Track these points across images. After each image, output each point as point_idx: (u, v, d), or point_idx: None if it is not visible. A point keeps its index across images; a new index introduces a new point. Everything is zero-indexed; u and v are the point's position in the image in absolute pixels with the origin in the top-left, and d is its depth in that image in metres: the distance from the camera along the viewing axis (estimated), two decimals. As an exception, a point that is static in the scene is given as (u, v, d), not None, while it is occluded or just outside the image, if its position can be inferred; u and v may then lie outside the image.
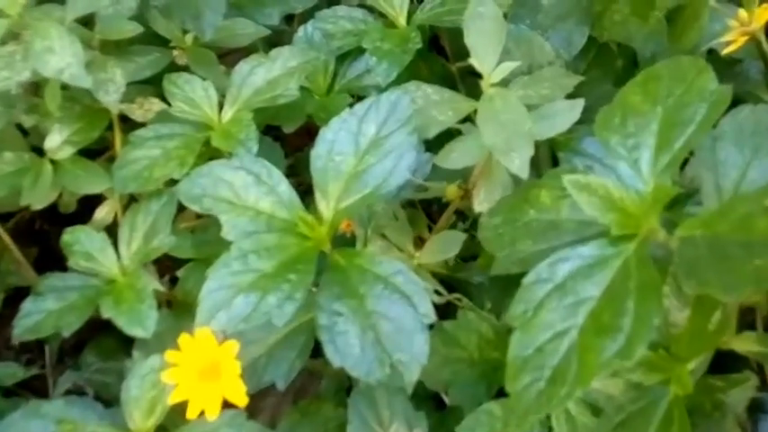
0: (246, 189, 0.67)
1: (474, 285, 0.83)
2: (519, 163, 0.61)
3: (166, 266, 1.01)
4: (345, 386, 0.91)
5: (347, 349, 0.59)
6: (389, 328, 0.60)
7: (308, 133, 0.86)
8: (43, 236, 1.07)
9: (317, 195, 0.66)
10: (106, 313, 0.71)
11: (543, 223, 0.61)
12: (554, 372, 0.49)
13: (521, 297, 0.53)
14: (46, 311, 0.73)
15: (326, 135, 0.67)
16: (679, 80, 0.57)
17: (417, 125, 0.66)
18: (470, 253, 0.86)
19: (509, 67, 0.66)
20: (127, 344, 0.99)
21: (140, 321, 0.70)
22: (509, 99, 0.65)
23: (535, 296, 0.53)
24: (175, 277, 0.90)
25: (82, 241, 0.76)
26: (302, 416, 0.82)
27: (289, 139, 0.96)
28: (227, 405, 0.68)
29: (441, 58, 0.96)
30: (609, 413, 0.60)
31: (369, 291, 0.62)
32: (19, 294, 1.00)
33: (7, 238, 0.95)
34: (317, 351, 0.94)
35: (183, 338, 0.60)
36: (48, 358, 0.97)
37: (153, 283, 0.73)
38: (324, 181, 0.66)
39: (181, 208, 1.04)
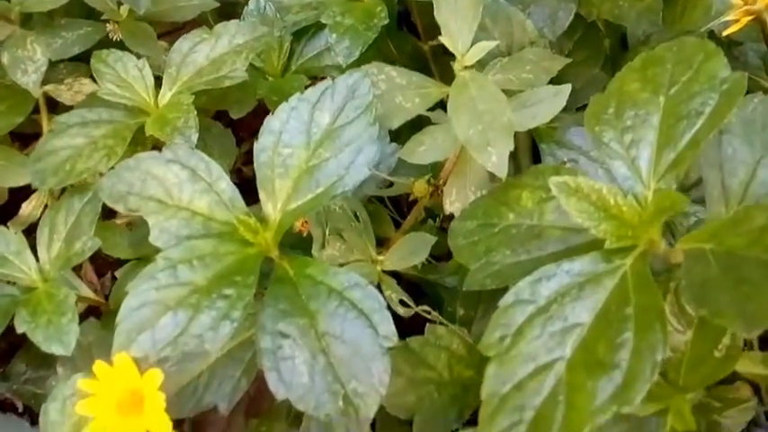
0: (180, 186, 0.58)
1: (446, 288, 0.75)
2: (496, 159, 0.53)
3: (107, 263, 0.91)
4: None
5: (294, 378, 0.51)
6: (344, 352, 0.51)
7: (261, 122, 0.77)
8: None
9: (262, 195, 0.57)
10: (21, 327, 0.62)
11: (524, 229, 0.52)
12: (537, 414, 0.41)
13: (497, 321, 0.45)
14: (-50, 326, 0.63)
15: (273, 124, 0.57)
16: (684, 65, 0.49)
17: (379, 114, 0.57)
18: (442, 251, 0.77)
19: (486, 46, 0.57)
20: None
21: (59, 337, 0.61)
22: (485, 84, 0.56)
23: (514, 321, 0.45)
24: (116, 276, 0.81)
25: (-5, 243, 0.66)
26: (253, 438, 0.74)
27: (245, 122, 0.86)
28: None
29: (411, 36, 0.87)
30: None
31: (321, 307, 0.53)
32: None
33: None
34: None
35: (99, 366, 0.50)
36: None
37: (77, 290, 0.64)
38: (269, 178, 0.57)
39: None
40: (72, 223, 0.64)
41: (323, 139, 0.56)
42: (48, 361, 0.88)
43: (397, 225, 0.76)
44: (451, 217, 0.64)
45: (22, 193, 0.85)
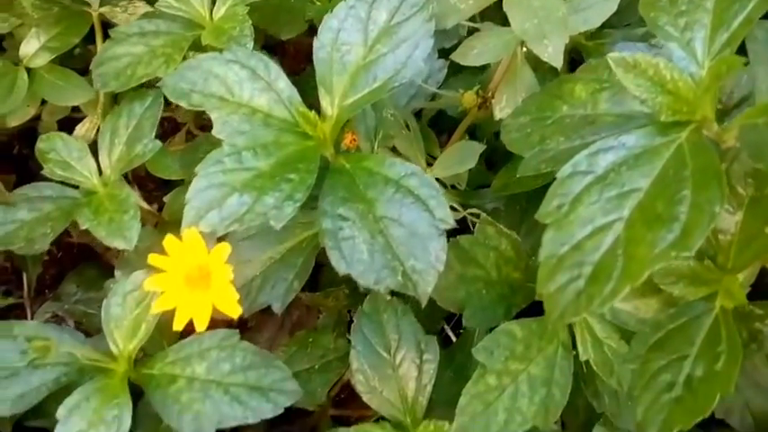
0: (240, 84, 0.60)
1: (488, 212, 0.77)
2: (552, 51, 0.54)
3: (153, 196, 0.94)
4: (346, 320, 0.85)
5: (354, 255, 0.53)
6: (401, 233, 0.53)
7: (307, 58, 0.78)
8: (22, 161, 0.99)
9: (321, 91, 0.59)
10: (84, 224, 0.64)
11: (577, 119, 0.54)
12: (596, 268, 0.43)
13: (554, 192, 0.46)
14: (18, 222, 0.66)
15: (331, 23, 0.59)
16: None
17: (434, 13, 0.58)
18: (482, 182, 0.79)
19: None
20: (109, 273, 0.93)
21: (121, 232, 0.63)
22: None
23: (571, 190, 0.46)
24: (162, 206, 0.84)
25: (58, 149, 0.68)
26: (300, 347, 0.76)
27: (285, 64, 0.88)
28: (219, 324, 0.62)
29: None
30: (644, 333, 0.53)
31: (378, 195, 0.55)
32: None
33: (-14, 160, 0.88)
34: (314, 284, 0.89)
35: (169, 241, 0.53)
36: (26, 288, 0.91)
37: (136, 196, 0.66)
38: (328, 74, 0.58)
39: (173, 131, 0.97)
40: (133, 127, 0.67)
41: (380, 36, 0.58)
42: (97, 283, 0.91)
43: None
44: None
45: (70, 123, 0.88)
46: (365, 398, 0.64)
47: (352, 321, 0.83)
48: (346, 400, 0.86)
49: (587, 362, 0.60)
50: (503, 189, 0.73)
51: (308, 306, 0.92)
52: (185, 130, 0.93)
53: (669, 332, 0.52)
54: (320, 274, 0.89)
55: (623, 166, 0.46)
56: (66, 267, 0.95)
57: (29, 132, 0.97)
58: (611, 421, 0.62)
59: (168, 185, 0.86)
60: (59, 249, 0.97)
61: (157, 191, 0.93)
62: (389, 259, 0.52)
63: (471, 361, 0.65)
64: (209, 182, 0.54)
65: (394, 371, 0.63)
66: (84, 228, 0.65)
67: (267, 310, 0.91)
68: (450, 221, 0.53)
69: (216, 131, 0.58)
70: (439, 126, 0.83)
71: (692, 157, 0.44)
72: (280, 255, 0.69)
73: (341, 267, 0.52)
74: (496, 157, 0.79)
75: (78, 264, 0.93)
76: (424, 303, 0.52)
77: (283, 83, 0.60)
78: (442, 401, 0.65)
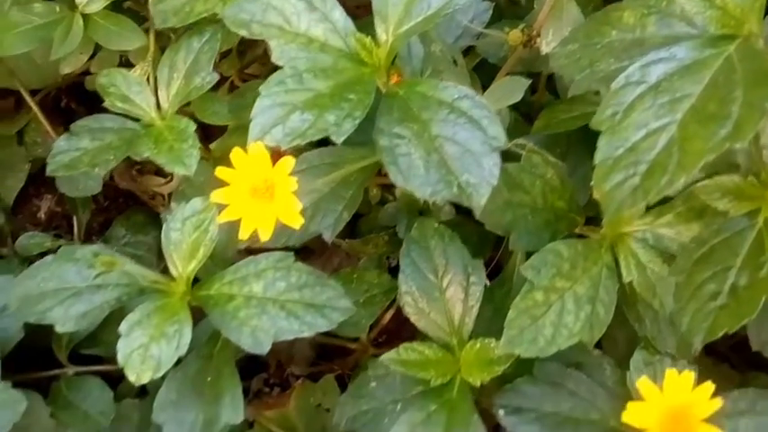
0: (298, 15, 0.62)
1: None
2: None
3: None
4: (386, 266, 0.88)
5: (411, 170, 0.55)
6: (456, 151, 0.56)
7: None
8: (69, 114, 1.03)
9: (376, 20, 0.61)
10: (145, 152, 0.67)
11: (626, 42, 0.56)
12: (651, 165, 0.45)
13: (608, 102, 0.49)
14: (81, 149, 0.69)
15: (387, -46, 0.62)
16: None
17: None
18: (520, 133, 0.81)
19: None
20: (155, 219, 0.96)
21: (181, 159, 0.66)
22: None
23: (625, 99, 0.48)
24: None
25: (118, 83, 0.71)
26: (345, 282, 0.78)
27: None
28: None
29: None
30: (689, 248, 0.56)
31: (432, 116, 0.57)
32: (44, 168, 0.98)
33: (36, 109, 0.91)
34: (354, 233, 0.92)
35: (236, 153, 0.55)
36: (76, 231, 0.94)
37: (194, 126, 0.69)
38: (383, 3, 0.61)
39: (217, 85, 1.00)
40: (191, 61, 0.69)
41: (433, -35, 0.60)
42: (144, 228, 0.94)
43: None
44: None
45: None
46: (413, 319, 0.67)
47: (391, 267, 0.86)
48: (385, 343, 0.89)
49: (630, 284, 0.62)
50: (544, 129, 0.75)
51: (347, 253, 0.95)
52: (230, 82, 0.96)
53: (713, 246, 0.55)
54: (360, 223, 0.92)
55: (674, 76, 0.48)
56: (112, 216, 0.99)
57: (76, 87, 1.00)
58: (653, 344, 0.64)
59: (212, 137, 0.89)
60: (106, 199, 1.00)
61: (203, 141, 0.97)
62: (444, 174, 0.55)
63: (509, 301, 0.68)
64: (272, 101, 0.56)
65: (441, 293, 0.66)
66: (144, 156, 0.67)
67: (309, 257, 0.94)
68: (502, 139, 0.56)
69: (275, 58, 0.61)
70: (480, 75, 0.86)
71: (741, 64, 0.46)
72: (329, 188, 0.72)
73: (398, 181, 0.55)
74: (533, 113, 0.81)
75: (125, 210, 0.97)
76: (477, 215, 0.55)
77: (338, 13, 0.63)
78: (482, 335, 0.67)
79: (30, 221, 0.98)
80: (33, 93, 0.93)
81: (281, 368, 0.88)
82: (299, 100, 0.57)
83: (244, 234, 0.56)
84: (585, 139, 0.77)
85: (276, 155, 0.56)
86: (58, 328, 0.65)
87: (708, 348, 0.64)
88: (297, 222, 0.55)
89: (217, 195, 0.57)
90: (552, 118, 0.75)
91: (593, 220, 0.67)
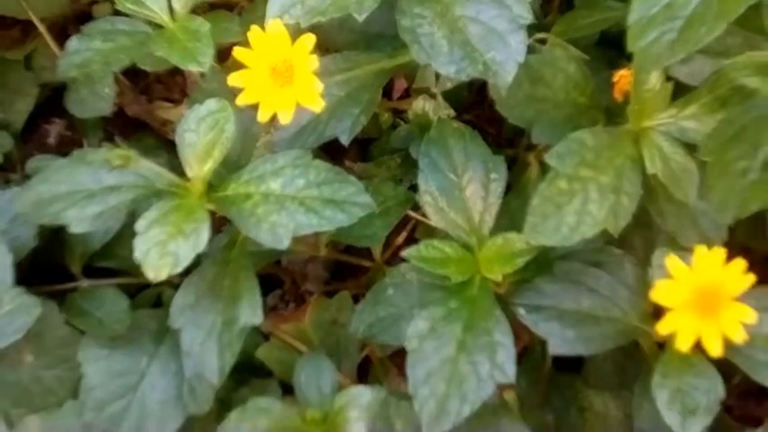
0: None
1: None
2: None
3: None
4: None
5: (434, 48, 0.54)
6: (480, 30, 0.54)
7: None
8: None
9: None
10: (158, 51, 0.66)
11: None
12: (688, 19, 0.44)
13: None
14: (94, 50, 0.68)
15: None
16: None
17: None
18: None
19: None
20: (166, 144, 0.95)
21: (195, 57, 0.65)
22: None
23: None
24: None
25: (129, -15, 0.69)
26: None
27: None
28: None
29: None
30: (718, 129, 0.55)
31: (454, -2, 0.56)
32: (55, 94, 0.96)
33: (45, 32, 0.90)
34: (365, 157, 0.91)
35: (254, 32, 0.54)
36: (86, 152, 0.93)
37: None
38: None
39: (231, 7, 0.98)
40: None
41: None
42: (155, 151, 0.92)
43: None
44: None
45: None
46: (433, 219, 0.66)
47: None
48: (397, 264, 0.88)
49: (652, 179, 0.61)
50: (562, 34, 0.74)
51: (360, 177, 0.94)
52: (238, 8, 0.94)
53: (744, 126, 0.53)
54: (371, 148, 0.91)
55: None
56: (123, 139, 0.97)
57: (84, 17, 0.99)
58: (674, 239, 0.63)
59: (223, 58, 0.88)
60: (114, 126, 0.99)
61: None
62: (469, 51, 0.54)
63: (524, 214, 0.66)
64: (291, -19, 0.55)
65: (461, 192, 0.65)
66: (158, 54, 0.66)
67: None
68: (528, 16, 0.54)
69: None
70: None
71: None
72: (345, 92, 0.70)
73: (422, 58, 0.54)
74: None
75: (136, 132, 0.96)
76: (503, 93, 0.53)
77: None
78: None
79: (39, 148, 0.97)
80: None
81: (295, 286, 0.87)
82: (316, -19, 0.55)
83: (263, 117, 0.54)
84: (603, 44, 0.76)
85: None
86: (73, 228, 0.64)
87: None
88: (318, 105, 0.54)
89: (234, 78, 0.55)
90: (571, 24, 0.73)
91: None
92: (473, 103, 0.90)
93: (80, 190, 0.66)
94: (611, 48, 0.80)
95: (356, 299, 0.87)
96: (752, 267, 0.53)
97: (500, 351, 0.58)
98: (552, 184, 0.58)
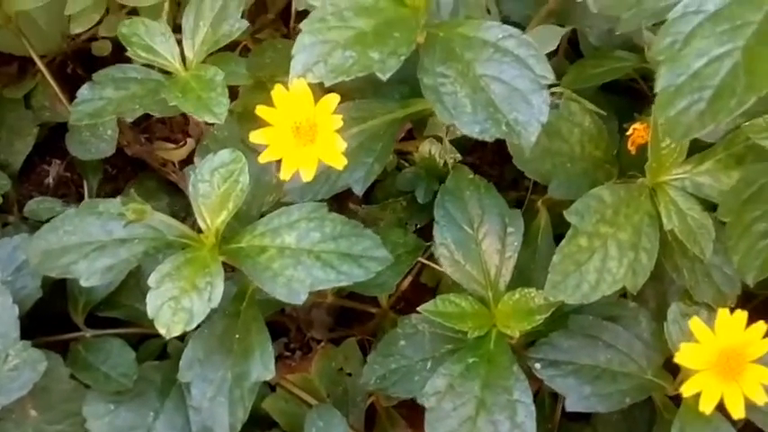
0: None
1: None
2: None
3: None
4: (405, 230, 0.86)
5: (458, 108, 0.54)
6: (503, 89, 0.54)
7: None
8: (76, 81, 1.00)
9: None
10: (172, 101, 0.65)
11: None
12: (717, 90, 0.44)
13: (666, 31, 0.48)
14: (105, 99, 0.67)
15: None
16: None
17: None
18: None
19: None
20: (167, 186, 0.94)
21: (210, 107, 0.64)
22: None
23: (683, 28, 0.48)
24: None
25: (141, 33, 0.69)
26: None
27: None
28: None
29: None
30: (736, 188, 0.55)
31: (476, 56, 0.56)
32: (54, 134, 0.95)
33: (46, 71, 0.89)
34: (370, 200, 0.90)
35: (277, 91, 0.54)
36: (86, 195, 0.91)
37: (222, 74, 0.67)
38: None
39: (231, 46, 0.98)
40: (219, 8, 0.67)
41: None
42: (156, 194, 0.92)
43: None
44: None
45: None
46: (449, 272, 0.65)
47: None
48: (403, 310, 0.88)
49: (667, 234, 0.62)
50: (571, 84, 0.74)
51: (364, 220, 0.93)
52: (242, 46, 0.94)
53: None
54: (375, 190, 0.90)
55: (733, 5, 0.47)
56: (120, 185, 0.96)
57: (82, 53, 0.98)
58: (689, 295, 0.63)
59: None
60: (114, 167, 0.98)
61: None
62: (492, 112, 0.54)
63: (534, 262, 0.67)
64: (314, 38, 0.55)
65: (477, 245, 0.65)
66: (172, 104, 0.65)
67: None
68: (550, 76, 0.54)
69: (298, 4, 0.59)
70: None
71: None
72: (357, 142, 0.70)
73: (445, 117, 0.54)
74: (563, 69, 0.80)
75: (136, 176, 0.95)
76: (527, 153, 0.53)
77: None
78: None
79: (36, 189, 0.95)
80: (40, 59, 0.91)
81: (300, 333, 0.86)
82: (341, 37, 0.55)
83: (286, 174, 0.54)
84: (606, 90, 0.76)
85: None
86: (83, 282, 0.63)
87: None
88: (340, 163, 0.54)
89: (256, 136, 0.55)
90: (581, 73, 0.74)
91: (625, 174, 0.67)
92: (475, 145, 0.91)
93: (90, 241, 0.64)
94: (613, 93, 0.81)
95: (361, 344, 0.86)
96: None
97: (520, 410, 0.58)
98: (572, 241, 0.58)
